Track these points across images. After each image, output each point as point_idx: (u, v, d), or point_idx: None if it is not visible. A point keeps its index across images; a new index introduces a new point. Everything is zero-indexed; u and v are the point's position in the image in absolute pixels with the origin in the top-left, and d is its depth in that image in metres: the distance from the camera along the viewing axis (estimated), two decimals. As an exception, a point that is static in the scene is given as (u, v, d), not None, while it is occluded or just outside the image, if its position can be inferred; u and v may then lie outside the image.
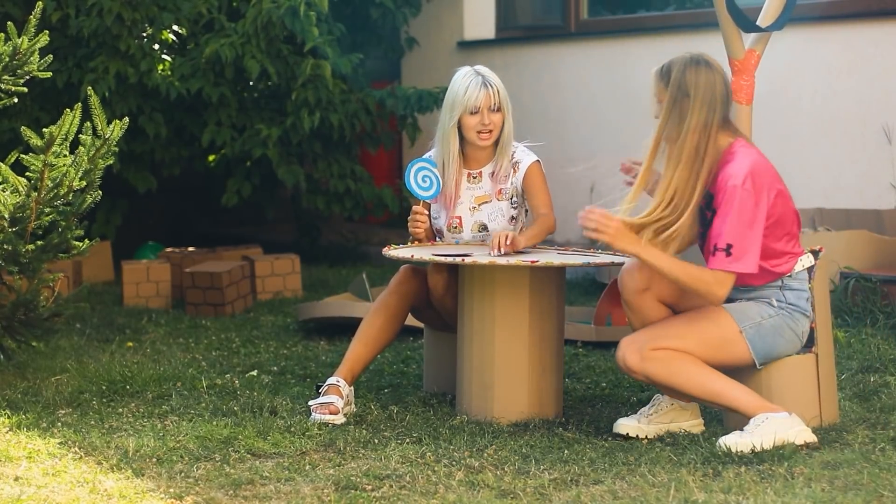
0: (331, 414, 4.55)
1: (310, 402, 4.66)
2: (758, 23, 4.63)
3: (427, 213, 4.90)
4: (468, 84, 4.77)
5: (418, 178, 4.83)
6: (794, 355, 4.32)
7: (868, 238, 6.27)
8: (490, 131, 4.78)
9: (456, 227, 4.90)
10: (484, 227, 4.88)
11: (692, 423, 4.47)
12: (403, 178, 4.86)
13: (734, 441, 4.11)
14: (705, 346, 4.24)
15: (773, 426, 4.12)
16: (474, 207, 4.89)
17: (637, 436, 4.38)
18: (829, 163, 7.26)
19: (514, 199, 4.87)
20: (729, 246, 4.11)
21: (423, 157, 4.89)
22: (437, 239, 4.96)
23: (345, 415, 4.64)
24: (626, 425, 4.43)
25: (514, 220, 4.89)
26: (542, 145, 5.04)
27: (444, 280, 4.78)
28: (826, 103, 7.31)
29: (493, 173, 4.88)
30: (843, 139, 7.26)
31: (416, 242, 4.87)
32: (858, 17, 7.28)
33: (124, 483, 3.88)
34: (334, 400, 4.60)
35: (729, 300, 4.36)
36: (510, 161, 4.86)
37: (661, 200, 4.20)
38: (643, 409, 4.47)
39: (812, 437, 4.15)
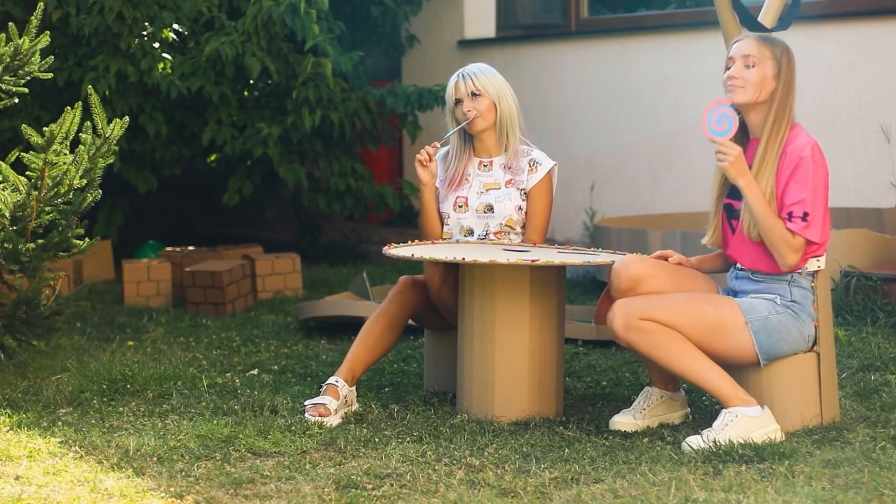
0: (320, 416, 4.56)
1: (305, 402, 4.68)
2: (760, 22, 4.63)
3: (438, 148, 4.98)
4: (449, 82, 5.01)
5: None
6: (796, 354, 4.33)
7: (868, 237, 6.27)
8: (475, 117, 4.91)
9: (461, 207, 4.95)
10: (490, 208, 4.93)
11: (681, 414, 4.57)
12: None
13: (698, 443, 4.13)
14: (698, 327, 4.24)
15: (741, 427, 4.15)
16: (482, 192, 4.95)
17: (635, 431, 4.42)
18: (830, 161, 7.18)
19: (525, 191, 4.92)
20: (806, 214, 4.20)
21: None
22: (443, 225, 5.00)
23: (344, 415, 4.65)
24: (622, 422, 4.46)
25: (520, 210, 4.92)
26: (545, 150, 5.08)
27: (440, 273, 4.81)
28: (826, 102, 7.31)
29: (504, 164, 4.95)
30: (843, 138, 7.26)
31: (421, 165, 4.91)
32: (858, 15, 7.28)
33: (125, 482, 3.88)
34: (327, 401, 4.61)
35: (735, 295, 4.38)
36: (525, 156, 4.92)
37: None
38: (635, 404, 4.52)
39: (780, 437, 4.17)
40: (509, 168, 4.95)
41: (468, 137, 5.00)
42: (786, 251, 4.22)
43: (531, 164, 4.95)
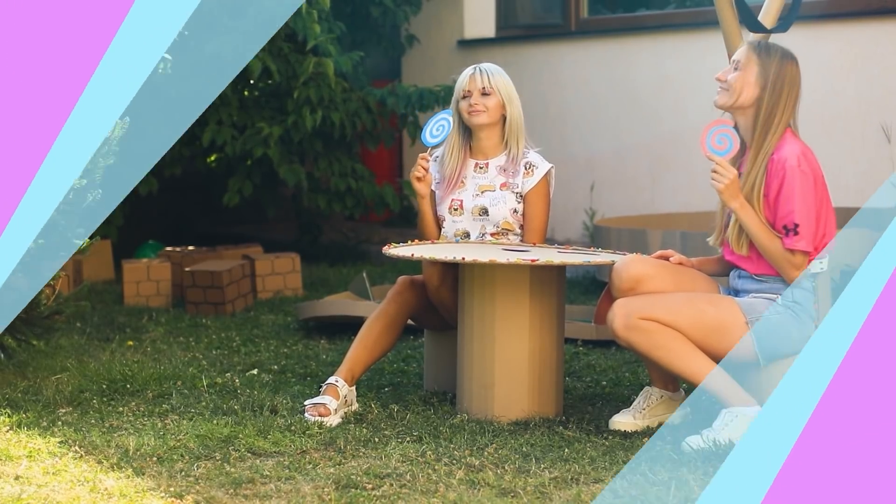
0: (320, 416, 4.56)
1: (305, 402, 4.68)
2: (760, 22, 4.63)
3: (430, 159, 4.97)
4: (462, 73, 5.00)
5: (434, 128, 4.98)
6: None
7: (868, 236, 6.26)
8: (480, 111, 4.89)
9: (457, 210, 4.95)
10: (485, 211, 4.92)
11: (681, 414, 4.55)
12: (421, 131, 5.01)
13: (698, 443, 4.13)
14: (698, 326, 4.25)
15: (741, 427, 4.14)
16: (477, 194, 4.94)
17: (635, 431, 4.42)
18: (830, 161, 7.22)
19: (521, 194, 4.91)
20: (796, 225, 4.20)
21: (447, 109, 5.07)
22: (440, 228, 5.00)
23: (344, 414, 4.65)
24: (622, 422, 4.46)
25: (516, 213, 4.91)
26: (545, 150, 5.08)
27: (438, 272, 4.81)
28: (826, 102, 7.31)
29: (501, 166, 4.92)
30: (843, 138, 7.26)
31: (418, 181, 4.91)
32: (858, 15, 7.28)
33: (125, 482, 3.88)
34: (327, 401, 4.61)
35: (737, 294, 4.38)
36: (523, 160, 4.90)
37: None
38: (634, 403, 4.52)
39: None
40: (505, 170, 4.94)
41: (466, 135, 5.00)
42: (787, 269, 4.26)
43: (527, 167, 4.93)
